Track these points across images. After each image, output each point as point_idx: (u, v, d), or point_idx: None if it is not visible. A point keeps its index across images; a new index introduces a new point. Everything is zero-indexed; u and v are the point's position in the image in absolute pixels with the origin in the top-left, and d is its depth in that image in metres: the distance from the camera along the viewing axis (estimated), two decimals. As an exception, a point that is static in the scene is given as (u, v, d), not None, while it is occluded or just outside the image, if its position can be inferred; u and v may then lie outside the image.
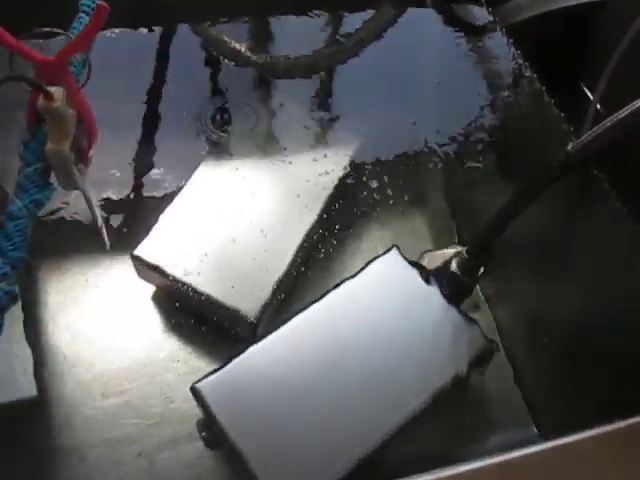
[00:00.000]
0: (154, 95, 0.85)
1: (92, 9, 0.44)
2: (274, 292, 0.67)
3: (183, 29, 0.89)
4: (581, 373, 0.66)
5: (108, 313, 0.71)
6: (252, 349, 0.60)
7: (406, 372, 0.60)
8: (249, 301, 0.65)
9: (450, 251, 0.69)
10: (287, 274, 0.68)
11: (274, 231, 0.70)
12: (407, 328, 0.62)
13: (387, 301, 0.64)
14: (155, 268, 0.67)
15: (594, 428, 0.45)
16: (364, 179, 0.81)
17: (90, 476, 0.63)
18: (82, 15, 0.46)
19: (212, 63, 0.89)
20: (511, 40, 0.78)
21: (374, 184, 0.81)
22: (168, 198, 0.73)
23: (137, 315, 0.72)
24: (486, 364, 0.65)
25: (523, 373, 0.70)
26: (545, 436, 0.63)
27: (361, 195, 0.80)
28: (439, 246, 0.73)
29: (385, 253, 0.67)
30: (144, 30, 0.87)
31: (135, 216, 0.77)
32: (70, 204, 0.75)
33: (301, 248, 0.70)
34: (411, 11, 0.94)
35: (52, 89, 0.42)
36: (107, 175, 0.78)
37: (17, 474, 0.62)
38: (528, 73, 0.74)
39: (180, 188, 0.73)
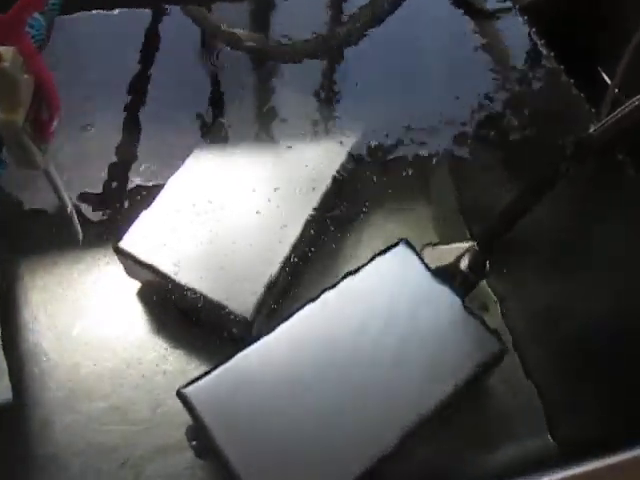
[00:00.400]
0: (142, 81, 0.81)
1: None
2: (269, 289, 0.63)
3: (174, 11, 0.85)
4: (599, 378, 0.63)
5: (93, 312, 0.68)
6: (245, 351, 0.56)
7: (413, 376, 0.56)
8: (243, 299, 0.61)
9: (455, 246, 0.66)
10: (283, 270, 0.64)
11: (269, 224, 0.66)
12: (415, 328, 0.58)
13: (394, 299, 0.60)
14: (140, 262, 0.63)
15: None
16: (366, 170, 0.77)
17: (71, 486, 0.59)
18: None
19: (205, 47, 0.85)
20: (526, 17, 0.73)
21: (376, 175, 0.77)
22: (157, 189, 0.69)
23: (124, 314, 0.68)
24: (496, 366, 0.61)
25: (537, 378, 0.66)
26: (561, 446, 0.59)
27: (362, 187, 0.76)
28: (446, 242, 0.69)
29: (393, 247, 0.63)
30: (132, 11, 0.83)
31: (122, 208, 0.73)
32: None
33: (298, 242, 0.66)
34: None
35: (0, 48, 0.37)
36: (93, 164, 0.75)
37: (-9, 484, 0.59)
38: (545, 52, 0.69)
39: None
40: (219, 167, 0.70)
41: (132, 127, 0.79)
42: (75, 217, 0.47)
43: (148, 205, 0.67)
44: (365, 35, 0.87)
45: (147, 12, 0.84)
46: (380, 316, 0.59)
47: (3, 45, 0.37)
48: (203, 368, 0.61)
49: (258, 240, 0.65)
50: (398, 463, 0.53)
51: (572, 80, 0.64)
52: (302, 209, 0.68)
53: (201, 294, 0.62)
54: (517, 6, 0.76)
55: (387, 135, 0.80)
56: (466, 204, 0.78)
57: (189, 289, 0.62)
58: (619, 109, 0.49)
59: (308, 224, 0.67)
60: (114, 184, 0.75)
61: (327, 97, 0.82)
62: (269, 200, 0.68)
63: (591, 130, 0.48)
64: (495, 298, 0.71)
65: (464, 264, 0.61)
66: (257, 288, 0.62)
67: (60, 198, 0.45)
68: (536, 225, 0.60)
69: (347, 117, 0.78)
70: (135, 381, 0.64)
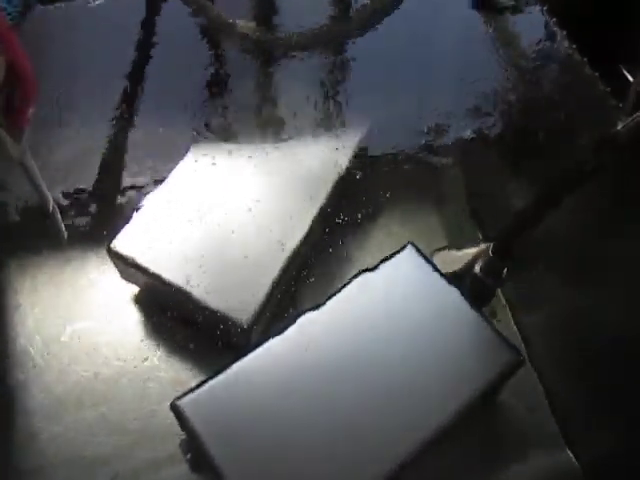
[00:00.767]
0: (140, 73, 0.79)
1: None
2: (270, 295, 0.60)
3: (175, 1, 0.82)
4: (617, 393, 0.59)
5: (85, 315, 0.65)
6: (242, 361, 0.53)
7: (423, 389, 0.53)
8: (242, 305, 0.58)
9: (467, 250, 0.63)
10: (285, 275, 0.61)
11: (270, 226, 0.63)
12: (425, 337, 0.55)
13: (402, 306, 0.56)
14: (134, 264, 0.61)
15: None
16: (372, 168, 0.73)
17: (57, 501, 0.56)
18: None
19: (206, 38, 0.82)
20: (545, 8, 0.70)
21: (384, 174, 0.74)
22: (152, 188, 0.66)
23: (118, 318, 0.65)
24: (511, 377, 0.57)
25: (552, 389, 0.63)
26: (580, 460, 0.56)
27: (369, 187, 0.73)
28: (457, 245, 0.66)
29: (399, 251, 0.60)
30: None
31: (115, 207, 0.70)
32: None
33: (301, 246, 0.63)
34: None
35: None
36: (86, 161, 0.72)
37: (-27, 498, 0.56)
38: (566, 44, 0.66)
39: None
40: (217, 166, 0.67)
41: (127, 124, 0.76)
42: (58, 214, 0.43)
43: (142, 205, 0.64)
44: (372, 28, 0.83)
45: (143, 3, 0.81)
46: (387, 325, 0.56)
47: None
48: (199, 377, 0.59)
49: (258, 243, 0.62)
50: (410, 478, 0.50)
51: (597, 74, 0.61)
52: (305, 211, 0.65)
53: (198, 299, 0.59)
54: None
55: (394, 133, 0.76)
56: (478, 206, 0.74)
57: (185, 293, 0.59)
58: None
59: (311, 227, 0.64)
60: (108, 182, 0.72)
61: (331, 92, 0.78)
62: (270, 202, 0.65)
63: (618, 127, 0.45)
64: (504, 302, 0.68)
65: (478, 269, 0.58)
66: (257, 294, 0.59)
67: (39, 194, 0.41)
68: (550, 233, 0.57)
69: (352, 113, 0.76)
70: (127, 389, 0.61)
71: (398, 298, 0.57)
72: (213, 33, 0.82)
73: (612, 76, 0.64)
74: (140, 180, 0.72)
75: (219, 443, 0.50)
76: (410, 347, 0.54)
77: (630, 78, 0.68)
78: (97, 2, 0.77)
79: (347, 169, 0.68)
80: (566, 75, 0.72)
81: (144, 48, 0.80)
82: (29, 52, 0.36)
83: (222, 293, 0.59)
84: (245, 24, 0.80)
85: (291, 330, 0.55)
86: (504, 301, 0.68)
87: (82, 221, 0.69)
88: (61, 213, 0.60)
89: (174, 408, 0.53)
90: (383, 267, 0.59)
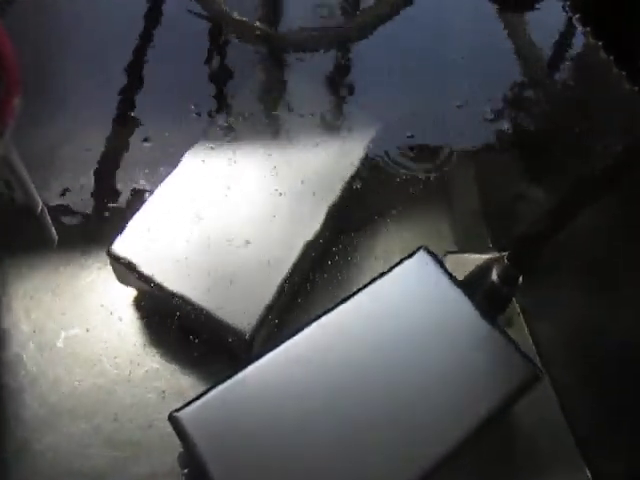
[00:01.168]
0: (141, 72, 0.76)
1: None
2: (273, 304, 0.57)
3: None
4: (636, 406, 0.56)
5: (81, 321, 0.63)
6: (243, 372, 0.51)
7: (435, 405, 0.50)
8: (243, 313, 0.56)
9: (481, 255, 0.61)
10: (289, 282, 0.59)
11: (275, 230, 0.61)
12: (437, 349, 0.53)
13: (414, 315, 0.54)
14: (133, 268, 0.59)
15: None
16: (382, 170, 0.72)
17: (48, 519, 0.54)
18: None
19: (212, 35, 0.80)
20: (567, 3, 0.67)
21: (393, 176, 0.72)
22: (153, 189, 0.64)
23: (115, 324, 0.63)
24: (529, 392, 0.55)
25: (569, 402, 0.61)
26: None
27: (378, 190, 0.71)
28: (468, 250, 0.65)
29: (410, 256, 0.57)
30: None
31: (115, 209, 0.68)
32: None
33: (306, 251, 0.61)
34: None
35: None
36: (85, 162, 0.70)
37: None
38: (590, 41, 0.64)
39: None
40: (221, 167, 0.65)
41: (126, 123, 0.74)
42: (47, 216, 0.41)
43: (142, 206, 0.62)
44: (383, 26, 0.81)
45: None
46: (397, 336, 0.53)
47: None
48: (199, 387, 0.57)
49: (261, 248, 0.60)
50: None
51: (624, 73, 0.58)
52: (311, 215, 0.62)
53: (198, 306, 0.57)
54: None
55: (404, 134, 0.74)
56: (490, 210, 0.72)
57: (185, 300, 0.57)
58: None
59: (317, 232, 0.62)
60: (106, 183, 0.70)
61: (340, 92, 0.76)
62: (274, 206, 0.63)
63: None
64: (518, 310, 0.65)
65: (494, 276, 0.55)
66: (260, 301, 0.57)
67: (26, 193, 0.39)
68: (564, 241, 0.55)
69: (361, 114, 0.73)
70: (124, 400, 0.59)
71: (409, 307, 0.55)
72: (218, 32, 0.80)
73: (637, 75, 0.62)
74: (140, 182, 0.70)
75: (218, 459, 0.48)
76: (422, 361, 0.52)
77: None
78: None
79: (355, 172, 0.66)
80: (590, 74, 0.69)
81: (144, 45, 0.78)
82: (18, 41, 0.34)
83: (223, 300, 0.57)
84: (252, 20, 0.78)
85: (295, 340, 0.53)
86: (519, 309, 0.66)
87: (79, 223, 0.67)
88: (58, 214, 0.59)
89: (172, 420, 0.50)
90: (393, 273, 0.57)
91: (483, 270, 0.57)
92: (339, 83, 0.78)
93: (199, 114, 0.73)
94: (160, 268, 0.58)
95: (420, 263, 0.57)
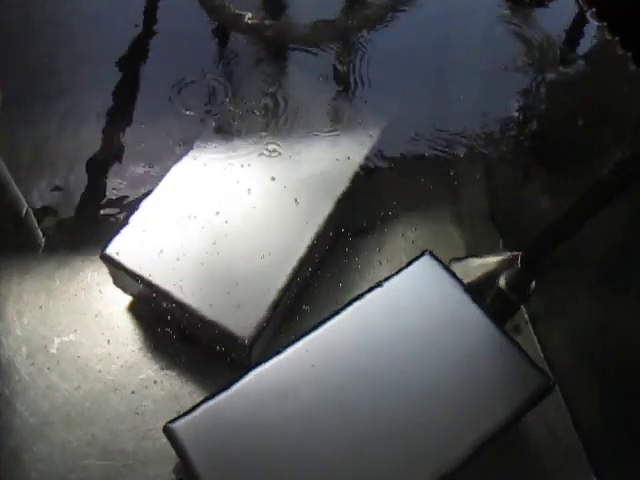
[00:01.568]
0: (138, 69, 0.75)
1: None
2: (274, 309, 0.56)
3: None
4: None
5: (76, 326, 0.61)
6: (242, 382, 0.50)
7: (441, 417, 0.48)
8: (243, 318, 0.55)
9: (490, 259, 0.59)
10: (290, 287, 0.57)
11: (275, 233, 0.59)
12: (444, 358, 0.51)
13: (418, 322, 0.53)
14: (130, 272, 0.57)
15: None
16: (387, 170, 0.70)
17: (39, 532, 0.53)
18: None
19: (214, 30, 0.79)
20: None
21: (398, 177, 0.70)
22: (149, 190, 0.62)
23: (112, 330, 0.62)
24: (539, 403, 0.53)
25: (579, 411, 0.59)
26: None
27: (383, 191, 0.70)
28: (476, 254, 0.63)
29: (416, 260, 0.56)
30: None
31: (110, 212, 0.67)
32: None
33: (308, 255, 0.59)
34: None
35: None
36: (81, 162, 0.68)
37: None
38: (607, 36, 0.62)
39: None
40: (220, 167, 0.63)
41: (122, 123, 0.72)
42: (32, 219, 0.39)
43: (138, 208, 0.60)
44: (390, 21, 0.80)
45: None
46: (402, 342, 0.52)
47: None
48: (197, 395, 0.56)
49: (262, 251, 0.58)
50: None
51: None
52: (313, 217, 0.61)
53: (196, 312, 0.55)
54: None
55: (411, 133, 0.72)
56: (499, 213, 0.70)
57: (182, 304, 0.56)
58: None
59: (319, 235, 0.60)
60: (101, 185, 0.68)
61: (345, 89, 0.74)
62: (274, 207, 0.61)
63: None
64: (527, 318, 0.64)
65: (503, 282, 0.53)
66: (260, 307, 0.55)
67: (9, 195, 0.37)
68: (574, 247, 0.53)
69: (366, 111, 0.71)
70: (120, 408, 0.58)
71: (414, 313, 0.54)
72: (219, 26, 0.79)
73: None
74: (135, 183, 0.68)
75: (213, 472, 0.47)
76: (428, 370, 0.51)
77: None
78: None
79: (360, 171, 0.64)
80: (606, 72, 0.67)
81: (139, 41, 0.77)
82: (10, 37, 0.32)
83: (222, 306, 0.55)
84: (253, 13, 0.76)
85: (296, 348, 0.51)
86: (527, 316, 0.64)
87: (73, 225, 0.66)
88: (51, 216, 0.57)
89: (167, 431, 0.49)
90: (398, 278, 0.56)
91: (492, 275, 0.55)
92: (344, 81, 0.76)
93: (196, 113, 0.72)
94: (156, 272, 0.57)
95: (425, 268, 0.56)
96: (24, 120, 0.67)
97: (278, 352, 0.51)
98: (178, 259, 0.57)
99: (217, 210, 0.60)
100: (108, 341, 0.61)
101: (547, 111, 0.72)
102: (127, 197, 0.67)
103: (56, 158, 0.68)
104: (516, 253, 0.55)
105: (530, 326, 0.64)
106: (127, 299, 0.62)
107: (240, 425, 0.48)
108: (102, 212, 0.66)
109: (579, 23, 0.69)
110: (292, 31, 0.78)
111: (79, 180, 0.68)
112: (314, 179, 0.63)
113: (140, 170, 0.68)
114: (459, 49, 0.80)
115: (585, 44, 0.71)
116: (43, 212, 0.64)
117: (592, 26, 0.68)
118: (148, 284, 0.56)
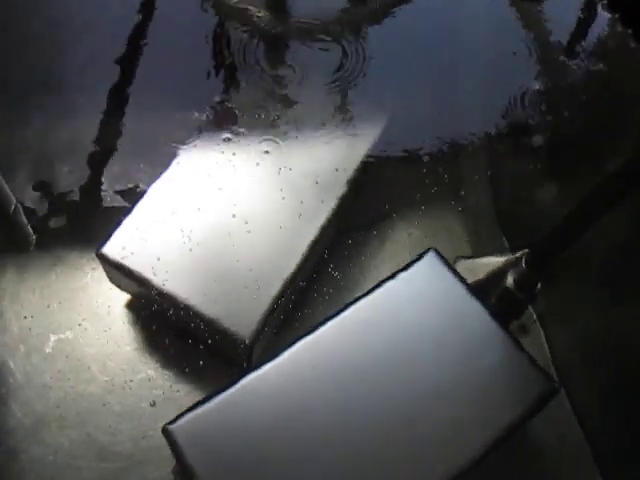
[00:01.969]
0: (135, 65, 0.74)
1: None
2: (274, 308, 0.55)
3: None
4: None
5: (72, 325, 0.60)
6: (241, 383, 0.48)
7: (442, 417, 0.47)
8: (242, 318, 0.54)
9: (495, 259, 0.58)
10: (291, 286, 0.56)
11: (276, 231, 0.58)
12: (448, 360, 0.50)
13: (422, 322, 0.52)
14: (125, 271, 0.56)
15: None
16: (389, 168, 0.68)
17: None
18: None
19: (215, 24, 0.77)
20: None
21: (402, 174, 0.69)
22: (146, 188, 0.61)
23: (109, 328, 0.61)
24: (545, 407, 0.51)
25: (586, 414, 0.58)
26: None
27: (386, 188, 0.69)
28: (481, 253, 0.62)
29: (419, 258, 0.55)
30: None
31: (107, 209, 0.66)
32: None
33: (309, 254, 0.58)
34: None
35: None
36: (78, 159, 0.67)
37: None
38: (619, 29, 0.60)
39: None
40: (219, 163, 0.62)
41: (117, 121, 0.71)
42: (22, 217, 0.38)
43: (135, 206, 0.59)
44: (393, 14, 0.78)
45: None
46: (405, 343, 0.50)
47: None
48: (196, 395, 0.55)
49: (261, 250, 0.57)
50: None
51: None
52: (315, 214, 0.59)
53: (195, 311, 0.54)
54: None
55: (414, 129, 0.71)
56: (505, 212, 0.69)
57: (181, 304, 0.55)
58: None
59: (321, 233, 0.59)
60: (98, 184, 0.67)
61: (347, 83, 0.73)
62: (274, 205, 0.60)
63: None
64: (534, 318, 0.62)
65: (511, 281, 0.52)
66: (260, 306, 0.54)
67: None
68: (582, 246, 0.52)
69: (368, 106, 0.70)
70: (117, 408, 0.57)
71: (417, 313, 0.52)
72: (218, 24, 0.77)
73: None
74: (133, 180, 0.67)
75: (211, 474, 0.46)
76: (431, 371, 0.49)
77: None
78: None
79: (362, 168, 0.63)
80: (618, 65, 0.66)
81: (138, 37, 0.75)
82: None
83: (221, 305, 0.54)
84: (257, 8, 0.75)
85: (297, 348, 0.50)
86: (535, 316, 0.62)
87: (70, 224, 0.64)
88: (48, 214, 0.56)
89: (166, 433, 0.48)
90: (401, 277, 0.54)
91: (498, 274, 0.54)
92: (346, 75, 0.75)
93: (195, 112, 0.71)
94: (154, 270, 0.56)
95: (429, 266, 0.54)
96: (19, 119, 0.66)
97: (279, 353, 0.50)
98: (176, 258, 0.56)
99: (216, 210, 0.59)
100: (105, 340, 0.60)
101: (555, 106, 0.71)
102: (123, 196, 0.66)
103: (51, 157, 0.67)
104: (521, 253, 0.54)
105: (539, 326, 0.63)
106: (124, 298, 0.61)
107: (239, 426, 0.47)
108: (98, 211, 0.65)
109: (590, 15, 0.68)
110: (295, 25, 0.77)
111: (75, 179, 0.67)
112: (315, 177, 0.61)
113: (136, 169, 0.67)
114: (465, 42, 0.78)
115: (595, 36, 0.69)
116: (39, 211, 0.63)
117: (604, 18, 0.66)
118: (146, 283, 0.55)
